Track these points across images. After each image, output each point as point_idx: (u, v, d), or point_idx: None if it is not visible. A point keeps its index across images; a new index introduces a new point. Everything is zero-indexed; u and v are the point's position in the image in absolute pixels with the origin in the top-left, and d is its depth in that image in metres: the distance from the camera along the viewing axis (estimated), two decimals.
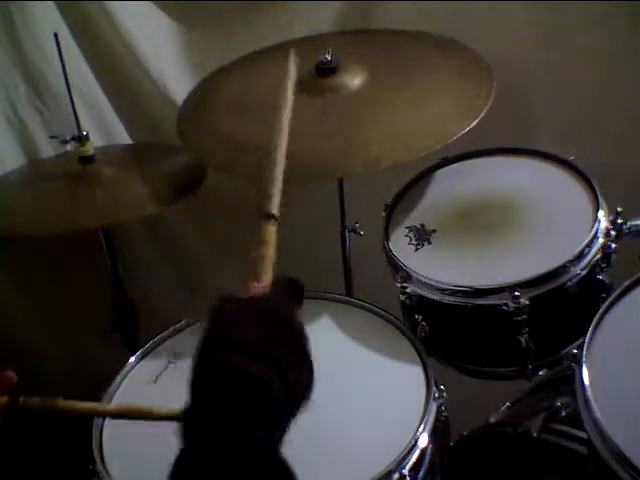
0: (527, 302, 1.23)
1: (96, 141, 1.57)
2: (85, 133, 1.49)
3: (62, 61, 1.44)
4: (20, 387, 0.99)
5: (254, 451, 0.70)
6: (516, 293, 1.22)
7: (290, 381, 0.75)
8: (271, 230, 0.88)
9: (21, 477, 1.68)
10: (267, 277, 0.85)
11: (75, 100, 1.49)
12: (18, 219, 1.48)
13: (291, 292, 0.84)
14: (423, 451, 1.13)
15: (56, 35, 1.43)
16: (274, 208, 0.89)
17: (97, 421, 1.21)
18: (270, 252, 0.87)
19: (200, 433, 0.72)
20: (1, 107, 1.59)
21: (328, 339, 1.32)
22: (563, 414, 1.24)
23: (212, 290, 0.81)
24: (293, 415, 0.76)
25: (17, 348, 1.74)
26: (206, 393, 0.74)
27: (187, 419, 0.74)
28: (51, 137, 1.56)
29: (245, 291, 0.83)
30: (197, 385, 0.75)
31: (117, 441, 1.19)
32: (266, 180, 0.91)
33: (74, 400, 0.99)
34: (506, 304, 1.23)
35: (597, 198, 1.32)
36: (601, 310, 1.15)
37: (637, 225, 1.31)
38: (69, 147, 1.51)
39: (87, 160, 1.50)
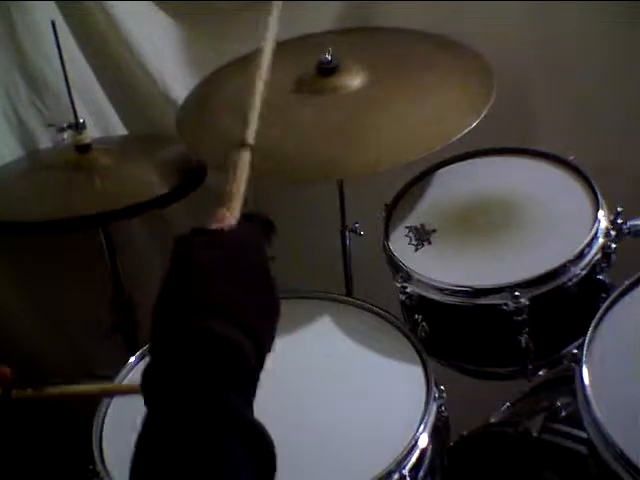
0: (527, 302, 1.22)
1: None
2: (82, 121, 1.49)
3: (62, 60, 1.44)
4: (15, 382, 0.99)
5: (230, 419, 0.66)
6: (516, 293, 1.22)
7: (262, 341, 0.71)
8: (244, 158, 0.85)
9: (21, 477, 1.68)
10: (237, 206, 0.82)
11: (74, 98, 1.49)
12: (16, 206, 1.48)
13: (259, 228, 0.81)
14: (423, 451, 1.13)
15: (56, 33, 1.42)
16: (249, 136, 0.87)
17: (97, 421, 1.21)
18: (241, 181, 0.84)
19: (170, 400, 0.67)
20: (1, 106, 1.59)
21: (328, 339, 1.32)
22: (563, 414, 1.24)
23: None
24: (261, 369, 0.72)
25: (17, 347, 1.74)
26: (176, 355, 0.68)
27: (150, 383, 0.69)
28: (49, 125, 1.57)
29: (214, 221, 0.79)
30: (161, 346, 0.69)
31: (117, 441, 1.19)
32: (244, 109, 0.89)
33: (64, 385, 0.99)
34: (506, 304, 1.23)
35: (597, 198, 1.32)
36: (601, 310, 1.16)
37: (637, 225, 1.31)
38: (66, 136, 1.51)
39: (84, 149, 1.50)
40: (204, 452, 0.64)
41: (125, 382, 1.29)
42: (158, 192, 1.46)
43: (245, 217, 0.81)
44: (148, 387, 0.69)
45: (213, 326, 0.68)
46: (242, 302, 0.72)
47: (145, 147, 1.62)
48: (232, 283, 0.73)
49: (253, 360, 0.70)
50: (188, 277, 0.73)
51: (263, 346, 0.72)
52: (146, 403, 0.68)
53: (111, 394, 1.16)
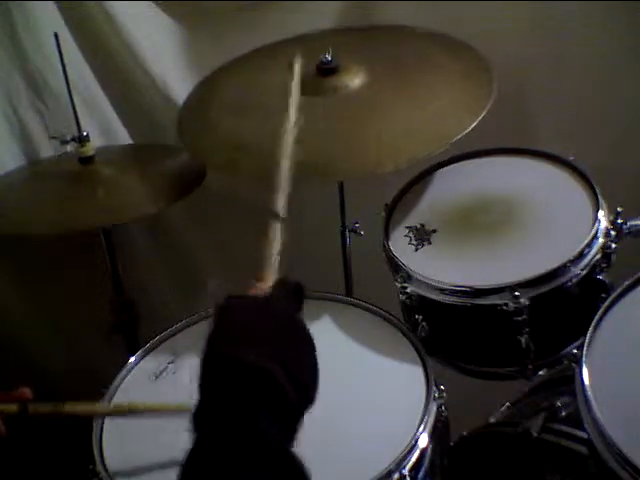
0: (527, 302, 1.22)
1: (96, 141, 1.57)
2: (85, 133, 1.49)
3: (62, 61, 1.44)
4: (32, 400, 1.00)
5: (266, 449, 0.69)
6: (516, 293, 1.22)
7: (300, 381, 0.75)
8: (274, 229, 0.89)
9: (21, 477, 1.68)
10: (270, 276, 0.86)
11: (75, 100, 1.49)
12: (18, 219, 1.47)
13: (292, 293, 0.84)
14: (423, 451, 1.13)
15: (56, 35, 1.43)
16: (278, 207, 0.91)
17: (97, 421, 1.21)
18: (272, 251, 0.88)
19: (211, 431, 0.71)
20: (1, 107, 1.59)
21: (328, 339, 1.32)
22: (563, 414, 1.24)
23: (212, 286, 0.81)
24: (302, 416, 0.76)
25: (17, 348, 1.74)
26: (216, 390, 0.73)
27: (197, 417, 0.73)
28: (52, 138, 1.56)
29: (248, 290, 0.83)
30: (206, 382, 0.74)
31: (117, 441, 1.19)
32: (273, 180, 0.94)
33: (78, 402, 1.00)
34: (506, 304, 1.23)
35: (597, 198, 1.32)
36: (601, 310, 1.16)
37: (637, 225, 1.31)
38: (69, 148, 1.51)
39: (87, 161, 1.50)
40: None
41: (125, 382, 1.29)
42: (160, 205, 1.46)
43: (278, 283, 0.85)
44: (195, 417, 0.73)
45: (253, 360, 0.73)
46: (283, 349, 0.76)
47: (147, 157, 1.62)
48: (274, 337, 0.77)
49: (292, 397, 0.73)
50: (232, 326, 0.78)
51: (304, 393, 0.76)
52: (194, 431, 0.72)
53: (126, 414, 1.17)
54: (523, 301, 1.22)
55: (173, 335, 1.37)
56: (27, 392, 1.01)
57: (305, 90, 1.40)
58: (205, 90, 1.55)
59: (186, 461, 0.70)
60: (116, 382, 1.29)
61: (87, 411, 1.06)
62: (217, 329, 0.78)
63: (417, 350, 1.27)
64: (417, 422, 1.14)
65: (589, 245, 1.26)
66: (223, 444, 0.70)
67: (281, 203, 0.92)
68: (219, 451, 0.69)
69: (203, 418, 0.72)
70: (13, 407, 0.97)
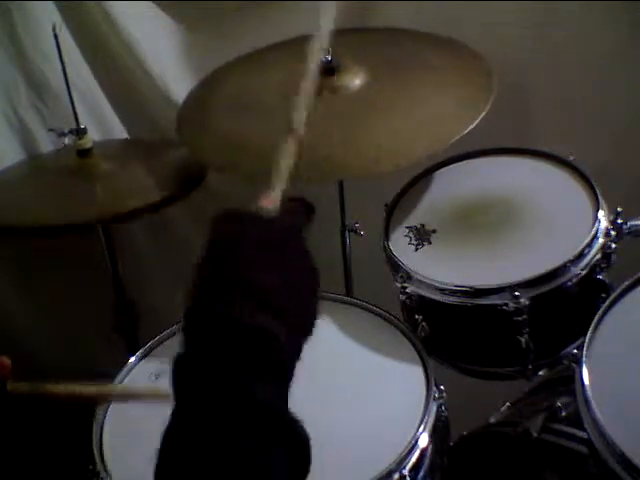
0: (527, 302, 1.22)
1: (95, 139, 1.57)
2: (83, 126, 1.49)
3: (62, 61, 1.44)
4: (12, 375, 0.99)
5: (254, 414, 0.65)
6: (516, 293, 1.22)
7: (297, 326, 0.71)
8: (290, 141, 0.86)
9: (21, 477, 1.68)
10: (280, 188, 0.82)
11: (75, 100, 1.49)
12: (17, 211, 1.48)
13: (301, 211, 0.81)
14: (423, 451, 1.13)
15: (56, 35, 1.43)
16: (295, 123, 0.87)
17: (97, 421, 1.21)
18: (285, 162, 0.85)
19: (194, 390, 0.67)
20: (1, 107, 1.59)
21: (328, 339, 1.32)
22: (563, 414, 1.24)
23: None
24: (298, 356, 0.72)
25: (17, 348, 1.73)
26: (201, 344, 0.68)
27: (178, 370, 0.69)
28: (49, 130, 1.56)
29: (259, 201, 0.78)
30: (190, 333, 0.69)
31: (117, 441, 1.19)
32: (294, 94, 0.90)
33: (64, 383, 0.99)
34: (506, 304, 1.23)
35: (597, 198, 1.32)
36: (601, 310, 1.16)
37: (637, 225, 1.31)
38: (67, 140, 1.51)
39: (85, 154, 1.50)
40: (228, 442, 0.64)
41: (125, 382, 1.29)
42: (158, 198, 1.45)
43: (288, 200, 0.81)
44: (176, 375, 0.69)
45: (244, 313, 0.68)
46: (278, 289, 0.71)
47: (146, 151, 1.62)
48: (269, 270, 0.72)
49: (287, 346, 0.69)
50: (224, 258, 0.73)
51: (299, 331, 0.72)
52: (174, 391, 0.68)
53: (111, 398, 1.16)
54: (523, 301, 1.22)
55: (173, 335, 1.37)
56: (6, 361, 0.99)
57: None
58: (205, 90, 1.55)
59: (168, 426, 0.67)
60: (116, 382, 1.28)
61: (69, 392, 1.04)
62: (210, 267, 0.73)
63: (417, 350, 1.27)
64: (417, 422, 1.14)
65: (589, 245, 1.26)
66: (207, 405, 0.65)
67: (299, 120, 0.87)
68: (203, 413, 0.65)
69: (186, 375, 0.68)
70: None
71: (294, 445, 0.68)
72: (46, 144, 1.65)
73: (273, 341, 0.68)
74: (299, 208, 0.82)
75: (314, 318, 0.75)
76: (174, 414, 0.67)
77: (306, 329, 0.74)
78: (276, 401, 0.68)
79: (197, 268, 0.73)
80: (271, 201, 0.80)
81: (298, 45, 1.60)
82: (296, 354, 0.72)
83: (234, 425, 0.65)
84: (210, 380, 0.66)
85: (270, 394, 0.67)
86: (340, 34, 1.63)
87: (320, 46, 0.99)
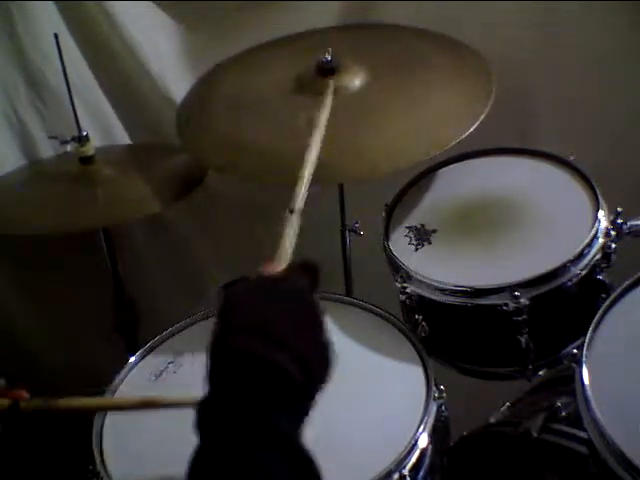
0: (527, 302, 1.22)
1: (96, 141, 1.57)
2: (85, 133, 1.48)
3: (62, 61, 1.44)
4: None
5: (274, 442, 0.68)
6: (516, 293, 1.22)
7: (310, 365, 0.74)
8: (289, 221, 0.95)
9: (21, 477, 1.68)
10: (282, 261, 0.87)
11: (75, 100, 1.49)
12: (18, 219, 1.47)
13: (306, 272, 0.83)
14: (423, 451, 1.13)
15: (56, 35, 1.43)
16: (293, 203, 0.98)
17: (97, 421, 1.21)
18: (286, 240, 0.91)
19: (217, 424, 0.70)
20: (1, 107, 1.59)
21: None
22: (563, 414, 1.24)
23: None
24: (313, 399, 0.75)
25: (17, 348, 1.74)
26: (223, 382, 0.72)
27: (204, 409, 0.72)
28: (51, 137, 1.56)
29: (263, 270, 0.82)
30: (214, 374, 0.73)
31: (117, 441, 1.19)
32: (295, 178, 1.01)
33: (74, 397, 0.99)
34: (506, 304, 1.23)
35: (597, 198, 1.32)
36: (601, 310, 1.16)
37: (637, 225, 1.31)
38: (69, 147, 1.51)
39: (87, 160, 1.50)
40: (247, 472, 0.67)
41: (125, 382, 1.29)
42: (161, 205, 1.45)
43: (293, 265, 0.86)
44: (202, 414, 0.72)
45: (256, 349, 0.72)
46: (288, 329, 0.75)
47: (148, 157, 1.62)
48: (278, 317, 0.76)
49: (299, 381, 0.73)
50: (239, 309, 0.77)
51: (313, 373, 0.75)
52: (199, 427, 0.71)
53: (119, 409, 1.17)
54: (523, 301, 1.22)
55: (173, 335, 1.37)
56: (23, 394, 1.00)
57: (305, 90, 1.42)
58: (204, 89, 1.55)
59: (194, 457, 0.69)
60: (116, 382, 1.28)
61: (81, 406, 1.05)
62: (225, 317, 0.77)
63: (417, 350, 1.27)
64: (417, 422, 1.14)
65: (589, 245, 1.26)
66: (232, 438, 0.68)
67: (296, 200, 0.98)
68: (228, 446, 0.68)
69: (211, 412, 0.71)
70: (4, 402, 0.97)
71: (305, 472, 0.70)
72: (47, 148, 1.64)
73: (291, 378, 0.72)
74: (306, 272, 0.84)
75: (327, 368, 0.79)
76: (201, 447, 0.70)
77: (320, 374, 0.78)
78: (295, 434, 0.71)
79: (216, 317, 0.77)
80: (274, 268, 0.84)
81: (298, 44, 1.61)
82: (310, 397, 0.75)
83: (259, 455, 0.68)
84: (236, 415, 0.70)
85: (291, 427, 0.71)
86: (340, 34, 1.64)
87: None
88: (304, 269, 0.83)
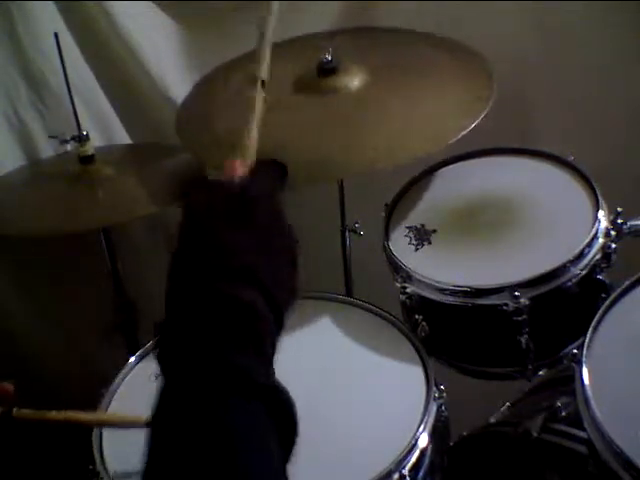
0: (527, 302, 1.22)
1: (96, 141, 1.57)
2: (85, 133, 1.48)
3: (62, 61, 1.44)
4: (17, 399, 0.99)
5: (248, 389, 0.65)
6: (516, 293, 1.22)
7: (275, 294, 0.70)
8: (257, 97, 0.84)
9: (21, 477, 1.68)
10: (250, 152, 0.81)
11: (75, 100, 1.49)
12: (18, 219, 1.47)
13: (273, 173, 0.79)
14: (423, 451, 1.13)
15: (56, 35, 1.42)
16: (262, 72, 0.85)
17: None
18: (254, 123, 0.83)
19: (178, 365, 0.67)
20: (1, 107, 1.59)
21: (328, 339, 1.32)
22: (563, 414, 1.24)
23: None
24: (280, 329, 0.71)
25: (17, 348, 1.74)
26: (181, 313, 0.69)
27: (163, 340, 0.70)
28: (51, 137, 1.56)
29: (226, 172, 0.77)
30: (171, 306, 0.71)
31: (117, 441, 1.19)
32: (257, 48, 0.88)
33: (69, 410, 0.99)
34: (506, 304, 1.23)
35: (597, 198, 1.32)
36: (601, 310, 1.16)
37: (637, 225, 1.31)
38: (69, 147, 1.51)
39: (87, 160, 1.50)
40: (212, 414, 0.64)
41: (125, 382, 1.29)
42: (161, 204, 1.45)
43: (258, 165, 0.80)
44: (160, 346, 0.70)
45: (221, 287, 0.68)
46: (253, 257, 0.71)
47: (148, 157, 1.62)
48: (243, 239, 0.72)
49: (266, 316, 0.69)
50: (198, 234, 0.73)
51: (278, 302, 0.71)
52: (159, 364, 0.69)
53: (113, 425, 1.17)
54: (523, 301, 1.22)
55: None
56: (9, 387, 1.00)
57: (305, 90, 1.42)
58: (204, 89, 1.55)
59: (157, 400, 0.66)
60: (116, 382, 1.29)
61: (74, 419, 1.05)
62: (183, 239, 0.73)
63: (417, 350, 1.27)
64: (417, 422, 1.14)
65: (589, 245, 1.26)
66: (194, 380, 0.65)
67: (264, 68, 0.85)
68: (190, 388, 0.65)
69: (169, 344, 0.69)
70: None
71: (278, 410, 0.67)
72: (47, 148, 1.64)
73: (249, 309, 0.68)
74: (270, 171, 0.80)
75: (294, 287, 0.75)
76: (161, 389, 0.67)
77: (285, 298, 0.73)
78: (255, 367, 0.67)
79: (175, 249, 0.74)
80: (240, 168, 0.78)
81: (298, 45, 1.61)
82: (277, 322, 0.71)
83: (214, 390, 0.65)
84: (189, 349, 0.67)
85: (248, 360, 0.67)
86: (340, 34, 1.64)
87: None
88: (270, 168, 0.79)
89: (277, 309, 0.71)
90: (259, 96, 0.84)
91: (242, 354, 0.67)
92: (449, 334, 1.35)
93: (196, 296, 0.69)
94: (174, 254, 0.73)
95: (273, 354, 0.70)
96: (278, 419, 0.67)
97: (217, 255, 0.70)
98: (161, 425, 0.66)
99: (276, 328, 0.71)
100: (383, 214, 1.42)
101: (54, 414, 0.98)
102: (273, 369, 0.70)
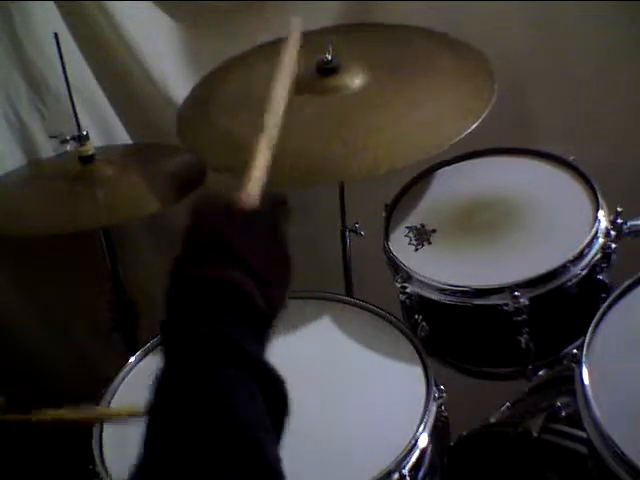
0: (527, 302, 1.23)
1: (96, 141, 1.57)
2: (85, 133, 1.48)
3: (62, 61, 1.44)
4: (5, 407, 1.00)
5: (238, 359, 0.69)
6: (516, 293, 1.22)
7: (271, 293, 0.76)
8: (262, 139, 0.88)
9: (21, 477, 1.68)
10: (253, 187, 0.85)
11: (75, 100, 1.49)
12: (18, 219, 1.48)
13: (275, 204, 0.84)
14: (423, 451, 1.13)
15: (56, 35, 1.43)
16: (268, 125, 0.90)
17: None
18: (258, 161, 0.87)
19: (179, 345, 0.72)
20: (1, 107, 1.59)
21: (328, 339, 1.32)
22: (563, 414, 1.24)
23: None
24: (271, 323, 0.77)
25: (17, 348, 1.74)
26: (183, 303, 0.75)
27: (164, 332, 0.75)
28: (51, 137, 1.56)
29: (235, 202, 0.82)
30: (173, 295, 0.76)
31: (117, 441, 1.19)
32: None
33: (48, 409, 0.99)
34: (506, 304, 1.23)
35: (597, 198, 1.32)
36: (601, 310, 1.16)
37: (637, 225, 1.31)
38: (69, 147, 1.51)
39: (87, 160, 1.50)
40: (208, 386, 0.69)
41: (125, 382, 1.29)
42: (161, 205, 1.45)
43: (264, 197, 0.85)
44: (162, 330, 0.76)
45: (219, 273, 0.74)
46: (246, 250, 0.77)
47: (148, 157, 1.61)
48: (242, 239, 0.78)
49: (259, 302, 0.74)
50: (202, 237, 0.79)
51: (272, 293, 0.76)
52: (162, 344, 0.75)
53: (104, 420, 1.17)
54: (523, 301, 1.22)
55: None
56: (1, 401, 1.01)
57: (305, 90, 1.41)
58: (204, 89, 1.55)
59: (157, 378, 0.71)
60: (116, 382, 1.29)
61: (56, 417, 1.05)
62: (186, 243, 0.79)
63: (417, 350, 1.27)
64: (417, 422, 1.14)
65: (589, 245, 1.26)
66: (191, 355, 0.70)
67: (272, 120, 0.90)
68: (187, 365, 0.70)
69: (169, 333, 0.74)
70: None
71: (268, 384, 0.71)
72: (47, 148, 1.64)
73: (238, 290, 0.73)
74: (274, 205, 0.85)
75: (286, 279, 0.80)
76: (163, 365, 0.73)
77: (280, 295, 0.78)
78: (248, 344, 0.72)
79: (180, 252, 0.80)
80: (247, 199, 0.84)
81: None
82: (271, 313, 0.76)
83: (212, 364, 0.69)
84: (187, 328, 0.72)
85: (241, 337, 0.72)
86: (340, 34, 1.64)
87: (294, 50, 1.04)
88: (273, 200, 0.85)
89: (268, 295, 0.76)
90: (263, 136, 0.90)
91: (237, 329, 0.72)
92: (449, 334, 1.35)
93: (192, 280, 0.75)
94: (176, 257, 0.78)
95: (266, 336, 0.76)
96: (266, 390, 0.71)
97: (213, 248, 0.76)
98: (159, 387, 0.71)
99: (269, 313, 0.76)
100: (383, 214, 1.42)
101: (43, 415, 0.98)
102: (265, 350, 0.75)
